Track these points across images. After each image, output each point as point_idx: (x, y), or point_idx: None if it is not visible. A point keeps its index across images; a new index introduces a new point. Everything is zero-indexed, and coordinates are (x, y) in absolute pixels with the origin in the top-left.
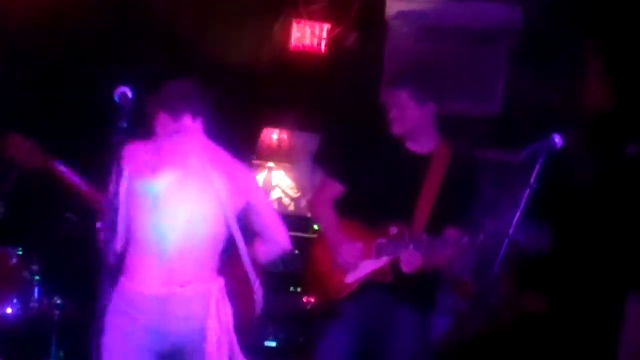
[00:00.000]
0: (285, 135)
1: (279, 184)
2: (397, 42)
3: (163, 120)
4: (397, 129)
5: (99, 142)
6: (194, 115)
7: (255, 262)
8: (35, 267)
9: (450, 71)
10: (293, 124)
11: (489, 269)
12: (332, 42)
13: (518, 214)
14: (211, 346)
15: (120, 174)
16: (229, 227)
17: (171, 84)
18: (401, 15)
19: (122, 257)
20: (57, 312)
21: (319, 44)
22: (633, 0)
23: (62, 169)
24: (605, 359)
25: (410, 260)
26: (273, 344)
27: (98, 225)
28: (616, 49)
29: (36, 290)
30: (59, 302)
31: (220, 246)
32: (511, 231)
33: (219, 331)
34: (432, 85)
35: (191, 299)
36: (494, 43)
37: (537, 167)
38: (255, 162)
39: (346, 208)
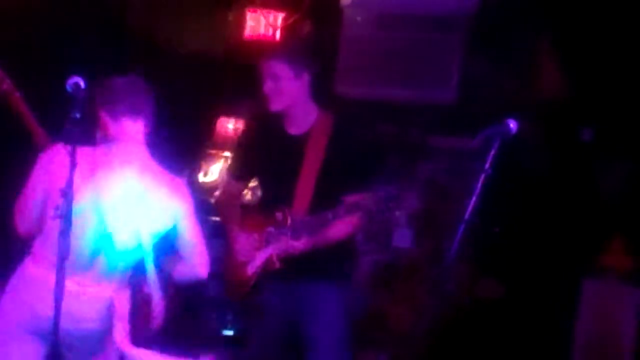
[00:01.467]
0: (240, 124)
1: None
2: (352, 30)
3: (104, 121)
4: (274, 105)
5: (52, 132)
6: (135, 117)
7: (168, 277)
8: None
9: (405, 58)
10: (248, 113)
11: (444, 254)
12: (287, 30)
13: (473, 199)
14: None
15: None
16: (142, 242)
17: (113, 80)
18: (356, 2)
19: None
20: None
21: (274, 33)
22: None
23: (21, 100)
24: (561, 344)
25: (290, 246)
26: (230, 333)
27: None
28: (570, 35)
29: None
30: None
31: (134, 258)
32: (466, 216)
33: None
34: (310, 61)
35: (97, 299)
36: (448, 30)
37: (492, 152)
38: (212, 151)
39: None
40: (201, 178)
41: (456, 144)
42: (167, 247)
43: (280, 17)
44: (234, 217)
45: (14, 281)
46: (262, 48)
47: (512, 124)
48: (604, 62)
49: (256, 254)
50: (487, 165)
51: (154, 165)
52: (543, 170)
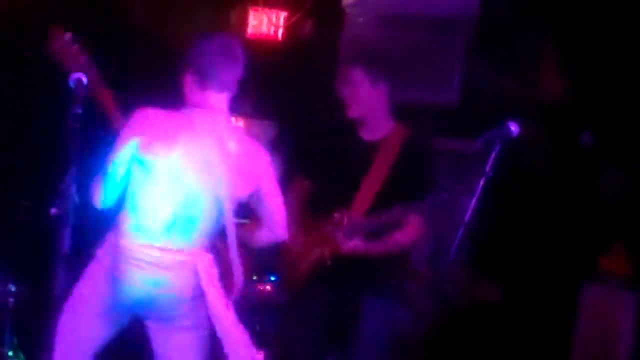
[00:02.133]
0: (241, 123)
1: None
2: (354, 31)
3: (189, 86)
4: (352, 111)
5: (53, 128)
6: (221, 90)
7: (246, 246)
8: None
9: (407, 59)
10: (249, 111)
11: (444, 256)
12: (289, 29)
13: (474, 202)
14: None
15: (125, 136)
16: (223, 210)
17: (207, 43)
18: (358, 3)
19: (113, 216)
20: (11, 300)
21: (276, 32)
22: None
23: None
24: (560, 348)
25: (342, 244)
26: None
27: (52, 211)
28: (572, 38)
29: None
30: (13, 289)
31: (215, 227)
32: (466, 219)
33: (216, 294)
34: (388, 73)
35: (171, 266)
36: (451, 32)
37: (493, 155)
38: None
39: (313, 201)
40: None
41: (457, 146)
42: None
43: (283, 16)
44: (293, 213)
45: (100, 255)
46: (264, 47)
47: (513, 127)
48: (606, 65)
49: (312, 252)
50: (487, 168)
51: (236, 131)
52: (543, 173)
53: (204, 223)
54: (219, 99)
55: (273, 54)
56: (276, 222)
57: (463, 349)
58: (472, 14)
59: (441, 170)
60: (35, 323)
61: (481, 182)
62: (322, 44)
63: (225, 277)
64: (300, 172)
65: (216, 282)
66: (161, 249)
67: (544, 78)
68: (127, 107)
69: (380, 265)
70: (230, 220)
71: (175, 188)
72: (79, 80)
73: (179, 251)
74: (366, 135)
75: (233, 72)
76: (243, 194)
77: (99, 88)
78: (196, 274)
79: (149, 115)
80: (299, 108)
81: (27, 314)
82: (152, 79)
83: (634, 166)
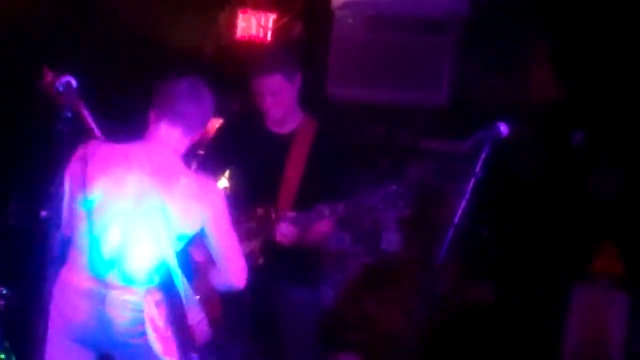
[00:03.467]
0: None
1: (225, 175)
2: (343, 32)
3: (149, 119)
4: (275, 115)
5: (42, 131)
6: (174, 123)
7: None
8: None
9: (397, 60)
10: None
11: (434, 257)
12: (278, 31)
13: (463, 203)
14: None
15: (67, 170)
16: (165, 248)
17: (172, 82)
18: (347, 5)
19: (64, 247)
20: (2, 302)
21: (265, 34)
22: None
23: (86, 113)
24: (551, 349)
25: (283, 232)
26: None
27: (42, 214)
28: (562, 38)
29: None
30: (4, 292)
31: (157, 262)
32: (456, 220)
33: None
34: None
35: (125, 302)
36: (440, 33)
37: (483, 155)
38: (201, 152)
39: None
40: None
41: (447, 146)
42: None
43: (272, 18)
44: None
45: (54, 289)
46: (253, 49)
47: (503, 127)
48: (596, 65)
49: None
50: (477, 169)
51: (180, 168)
52: (534, 174)
53: (146, 257)
54: (171, 133)
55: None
56: (228, 268)
57: (454, 350)
58: (462, 14)
59: (431, 170)
60: (26, 326)
61: (471, 183)
62: (312, 46)
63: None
64: (210, 169)
65: (160, 323)
66: (107, 286)
67: (534, 78)
68: (114, 109)
69: (303, 256)
70: (171, 256)
71: (115, 222)
72: (68, 84)
73: (126, 288)
74: (276, 127)
75: (192, 109)
76: (186, 229)
77: (86, 119)
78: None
79: (89, 152)
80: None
81: (18, 317)
82: (140, 80)
83: (625, 165)
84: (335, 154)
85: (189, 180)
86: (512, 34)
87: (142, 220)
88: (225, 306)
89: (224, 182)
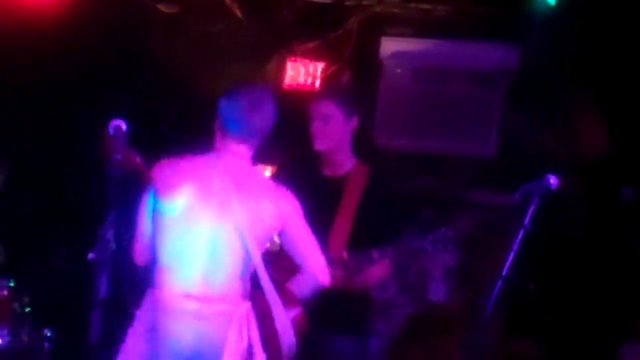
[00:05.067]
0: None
1: None
2: (391, 82)
3: (215, 130)
4: (319, 144)
5: (92, 173)
6: (241, 141)
7: (293, 296)
8: (26, 299)
9: (445, 112)
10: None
11: (481, 309)
12: (326, 80)
13: (511, 255)
14: None
15: (147, 189)
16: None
17: (237, 94)
18: (396, 55)
19: (147, 270)
20: (47, 344)
21: (313, 82)
22: (629, 45)
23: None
24: None
25: (333, 276)
26: None
27: (89, 256)
28: (612, 92)
29: (26, 322)
30: (49, 334)
31: (246, 270)
32: (504, 272)
33: (236, 356)
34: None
35: (210, 317)
36: (490, 84)
37: (532, 207)
38: None
39: None
40: None
41: (494, 198)
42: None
43: (320, 67)
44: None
45: (140, 316)
46: (301, 97)
47: (553, 180)
48: None
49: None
50: (526, 221)
51: (256, 173)
52: (582, 229)
53: (233, 265)
54: (240, 148)
55: (310, 100)
56: (311, 267)
57: None
58: (511, 66)
59: (478, 222)
60: None
61: (519, 235)
62: (359, 95)
63: (266, 330)
64: None
65: (250, 332)
66: (199, 299)
67: (583, 132)
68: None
69: (353, 302)
70: (259, 263)
71: (200, 234)
72: (118, 127)
73: (217, 299)
74: (328, 171)
75: (256, 124)
76: (266, 235)
77: (135, 163)
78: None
79: (166, 166)
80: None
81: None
82: (189, 129)
83: None
84: (387, 200)
85: (264, 183)
86: (561, 87)
87: (227, 228)
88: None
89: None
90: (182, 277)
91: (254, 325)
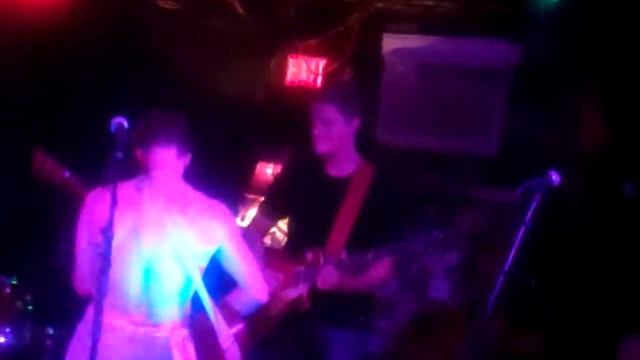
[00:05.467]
0: (279, 170)
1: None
2: (393, 79)
3: (139, 156)
4: (320, 147)
5: (95, 172)
6: (167, 145)
7: (233, 312)
8: (28, 297)
9: (447, 108)
10: (287, 155)
11: (483, 305)
12: (328, 77)
13: (513, 252)
14: None
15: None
16: (188, 274)
17: (144, 116)
18: (398, 52)
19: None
20: (49, 342)
21: (315, 79)
22: (631, 41)
23: (73, 180)
24: None
25: (325, 277)
26: None
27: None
28: (614, 88)
29: (29, 320)
30: (51, 332)
31: (186, 293)
32: (506, 269)
33: None
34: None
35: (144, 340)
36: (492, 81)
37: (533, 204)
38: (250, 196)
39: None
40: (238, 222)
41: (497, 195)
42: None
43: (322, 64)
44: (257, 254)
45: (80, 331)
46: (303, 94)
47: (555, 176)
48: None
49: (281, 293)
50: (527, 218)
51: (188, 190)
52: (584, 224)
53: (171, 288)
54: (167, 156)
55: (312, 101)
56: (249, 284)
57: None
58: (513, 63)
59: (480, 219)
60: None
61: (521, 232)
62: (361, 93)
63: (209, 348)
64: (262, 212)
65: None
66: (135, 323)
67: (586, 128)
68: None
69: (351, 302)
70: (200, 283)
71: (137, 258)
72: (120, 125)
73: (154, 325)
74: (333, 171)
75: (174, 127)
76: (202, 251)
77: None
78: (170, 349)
79: (97, 196)
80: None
81: (64, 358)
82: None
83: None
84: (392, 201)
85: (198, 200)
86: (564, 83)
87: (164, 253)
88: (270, 350)
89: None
90: (118, 303)
91: (190, 352)
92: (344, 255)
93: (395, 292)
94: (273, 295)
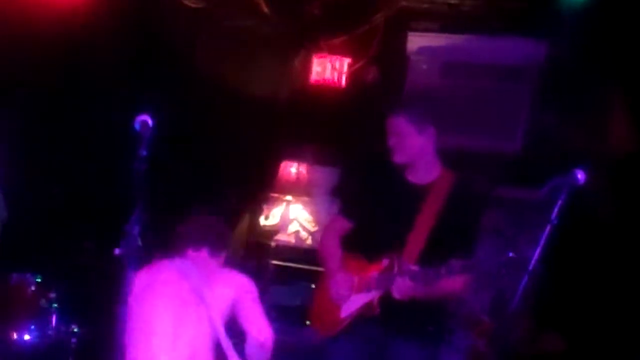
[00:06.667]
0: (303, 169)
1: (297, 217)
2: (418, 77)
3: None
4: (398, 158)
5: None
6: (198, 248)
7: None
8: (52, 295)
9: (472, 107)
10: (312, 157)
11: (507, 305)
12: (352, 76)
13: (538, 250)
14: None
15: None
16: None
17: (190, 218)
18: (422, 50)
19: None
20: (74, 340)
21: (339, 78)
22: None
23: None
24: None
25: (400, 287)
26: None
27: (116, 252)
28: (639, 86)
29: (53, 317)
30: (75, 329)
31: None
32: (530, 267)
33: None
34: (438, 117)
35: None
36: (516, 79)
37: (559, 202)
38: (273, 195)
39: (352, 242)
40: (262, 221)
41: (521, 194)
42: None
43: (346, 62)
44: (332, 252)
45: None
46: (327, 93)
47: (580, 175)
48: None
49: (353, 296)
50: (553, 216)
51: (212, 269)
52: (610, 224)
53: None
54: (198, 257)
55: (336, 100)
56: (254, 332)
57: None
58: (538, 62)
59: (505, 217)
60: None
61: (546, 231)
62: (386, 91)
63: None
64: (342, 213)
65: None
66: None
67: (611, 127)
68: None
69: (423, 311)
70: (224, 339)
71: (163, 336)
72: (145, 123)
73: None
74: (413, 178)
75: (211, 235)
76: (225, 312)
77: None
78: None
79: (142, 279)
80: (361, 155)
81: (89, 355)
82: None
83: None
84: (470, 210)
85: (220, 276)
86: (589, 82)
87: (196, 322)
88: (336, 349)
89: (294, 227)
90: None
91: None
92: (416, 267)
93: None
94: (343, 296)
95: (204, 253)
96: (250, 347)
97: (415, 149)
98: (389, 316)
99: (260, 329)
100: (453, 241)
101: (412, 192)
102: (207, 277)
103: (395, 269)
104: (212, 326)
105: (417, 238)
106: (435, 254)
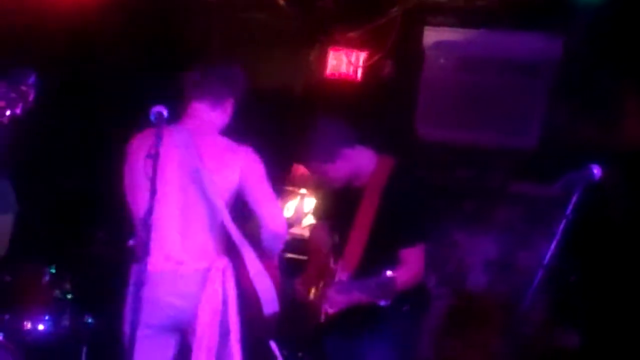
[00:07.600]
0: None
1: (312, 211)
2: (434, 72)
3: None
4: (337, 185)
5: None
6: (202, 99)
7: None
8: (67, 286)
9: (487, 102)
10: None
11: (522, 299)
12: (368, 70)
13: (553, 245)
14: (201, 326)
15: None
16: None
17: (200, 67)
18: (438, 45)
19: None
20: (88, 331)
21: (355, 72)
22: None
23: None
24: None
25: (330, 301)
26: None
27: (130, 242)
28: None
29: (67, 308)
30: (89, 320)
31: (220, 228)
32: (545, 262)
33: (210, 311)
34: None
35: (188, 276)
36: (532, 75)
37: (574, 197)
38: (288, 188)
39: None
40: None
41: (536, 189)
42: None
43: (362, 56)
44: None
45: (133, 278)
46: (342, 87)
47: (596, 170)
48: None
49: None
50: (568, 211)
51: (220, 140)
52: (625, 219)
53: (204, 225)
54: (200, 109)
55: (351, 94)
56: (264, 215)
57: None
58: (554, 57)
59: (519, 213)
60: (110, 355)
61: (561, 225)
62: (402, 85)
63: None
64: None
65: (226, 286)
66: (177, 261)
67: (627, 123)
68: None
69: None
70: (227, 217)
71: (171, 202)
72: (160, 114)
73: (194, 259)
74: (355, 182)
75: (218, 84)
76: (229, 187)
77: None
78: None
79: (133, 145)
80: (376, 149)
81: (102, 346)
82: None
83: None
84: (410, 191)
85: (228, 148)
86: (604, 78)
87: (195, 193)
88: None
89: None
90: (159, 244)
91: (230, 279)
92: (346, 277)
93: (434, 287)
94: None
95: (205, 105)
96: (265, 238)
97: (346, 173)
98: (345, 317)
99: (273, 217)
100: (394, 237)
101: (349, 193)
102: (207, 152)
103: (336, 277)
104: (212, 207)
105: (357, 240)
106: (378, 256)
